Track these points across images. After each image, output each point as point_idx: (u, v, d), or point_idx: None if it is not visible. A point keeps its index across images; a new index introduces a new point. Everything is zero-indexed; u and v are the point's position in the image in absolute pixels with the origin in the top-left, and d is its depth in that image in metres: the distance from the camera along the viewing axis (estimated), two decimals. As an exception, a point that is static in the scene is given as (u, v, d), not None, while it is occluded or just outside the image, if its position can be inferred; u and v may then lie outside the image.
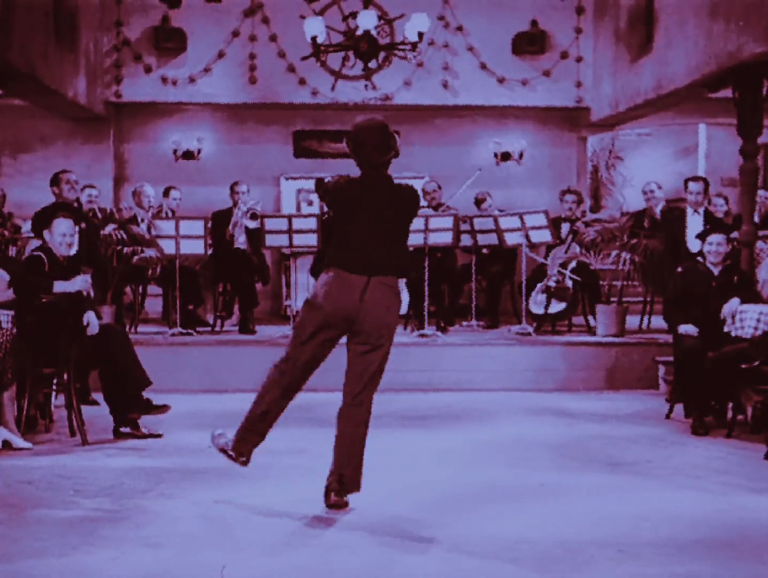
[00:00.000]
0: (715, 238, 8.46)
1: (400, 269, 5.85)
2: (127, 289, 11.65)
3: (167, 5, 11.88)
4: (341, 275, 5.68)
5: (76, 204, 10.54)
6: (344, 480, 5.70)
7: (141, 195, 11.62)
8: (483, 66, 13.49)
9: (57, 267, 7.64)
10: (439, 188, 11.89)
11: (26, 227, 9.69)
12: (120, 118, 13.94)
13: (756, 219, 10.64)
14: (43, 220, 7.77)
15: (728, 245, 8.56)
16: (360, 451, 5.75)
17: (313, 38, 10.71)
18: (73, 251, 8.34)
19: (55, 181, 10.35)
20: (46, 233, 7.70)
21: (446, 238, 10.85)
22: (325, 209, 12.38)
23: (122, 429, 7.74)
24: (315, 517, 5.61)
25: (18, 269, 7.96)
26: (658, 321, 10.87)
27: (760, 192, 11.27)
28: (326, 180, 5.94)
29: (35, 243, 8.23)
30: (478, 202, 12.39)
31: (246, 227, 11.59)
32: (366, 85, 12.71)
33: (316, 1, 12.67)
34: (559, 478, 6.56)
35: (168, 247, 10.74)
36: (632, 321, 11.45)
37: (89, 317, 7.63)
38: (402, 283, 10.72)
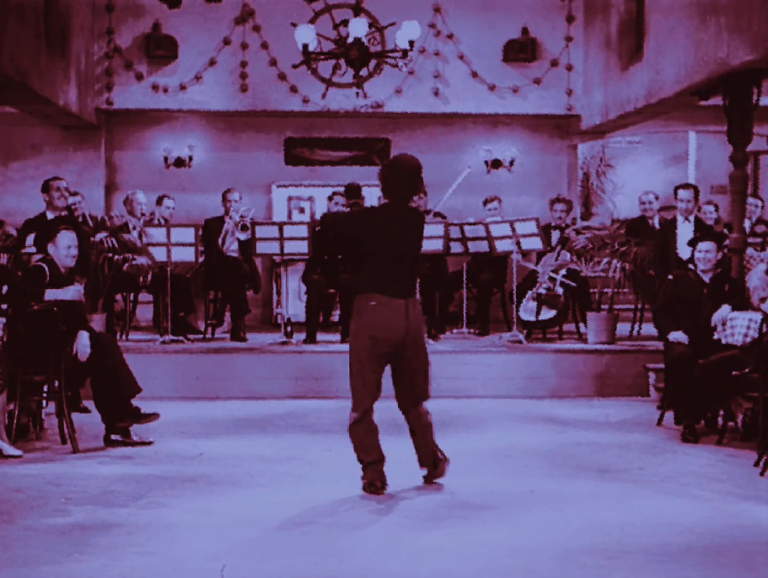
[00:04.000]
0: (705, 245, 8.48)
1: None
2: (118, 297, 11.63)
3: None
4: (384, 300, 6.18)
5: (66, 212, 10.54)
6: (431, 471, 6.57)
7: (133, 202, 11.60)
8: (474, 74, 13.50)
9: (59, 279, 7.74)
10: (425, 194, 11.73)
11: (29, 241, 9.80)
12: (111, 126, 13.93)
13: (747, 226, 10.68)
14: (46, 235, 7.96)
15: (719, 252, 8.59)
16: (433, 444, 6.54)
17: (305, 46, 10.70)
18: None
19: (46, 188, 10.36)
20: (50, 247, 7.84)
21: (436, 245, 10.85)
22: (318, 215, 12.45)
23: (113, 437, 7.74)
24: (306, 524, 5.62)
25: (15, 278, 8.08)
26: (648, 329, 10.89)
27: (750, 200, 11.30)
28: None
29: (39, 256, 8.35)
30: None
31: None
32: (357, 93, 12.67)
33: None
34: (550, 485, 6.58)
35: (159, 254, 10.73)
36: (623, 329, 11.46)
37: (81, 341, 7.64)
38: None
